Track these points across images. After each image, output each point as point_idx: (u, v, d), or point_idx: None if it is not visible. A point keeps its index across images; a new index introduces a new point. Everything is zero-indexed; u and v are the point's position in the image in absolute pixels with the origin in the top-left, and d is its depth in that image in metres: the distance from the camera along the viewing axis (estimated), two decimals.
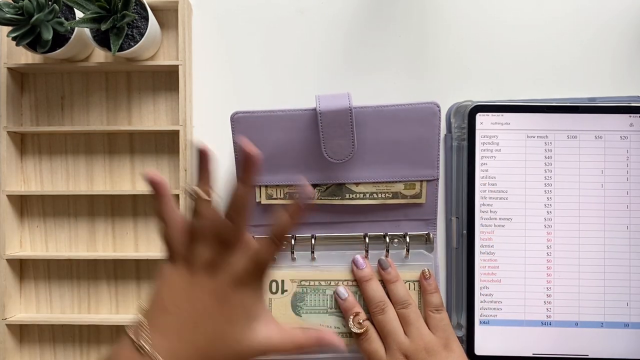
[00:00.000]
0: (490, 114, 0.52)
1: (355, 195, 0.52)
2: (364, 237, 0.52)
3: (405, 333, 0.48)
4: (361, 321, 0.49)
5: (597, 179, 0.52)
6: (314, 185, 0.52)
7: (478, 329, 0.52)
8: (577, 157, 0.52)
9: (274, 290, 0.52)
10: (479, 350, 0.52)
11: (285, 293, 0.52)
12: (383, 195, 0.52)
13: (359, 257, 0.51)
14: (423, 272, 0.51)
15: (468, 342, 0.52)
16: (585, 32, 0.55)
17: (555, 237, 0.52)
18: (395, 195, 0.52)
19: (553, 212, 0.52)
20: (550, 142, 0.52)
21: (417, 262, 0.52)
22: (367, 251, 0.51)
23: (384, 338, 0.48)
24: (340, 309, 0.51)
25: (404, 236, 0.52)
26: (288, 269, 0.52)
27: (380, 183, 0.51)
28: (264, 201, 0.52)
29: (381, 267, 0.51)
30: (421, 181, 0.51)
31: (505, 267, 0.52)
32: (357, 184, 0.52)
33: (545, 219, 0.52)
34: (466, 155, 0.52)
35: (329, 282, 0.52)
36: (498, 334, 0.52)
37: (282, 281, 0.52)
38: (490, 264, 0.52)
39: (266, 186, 0.52)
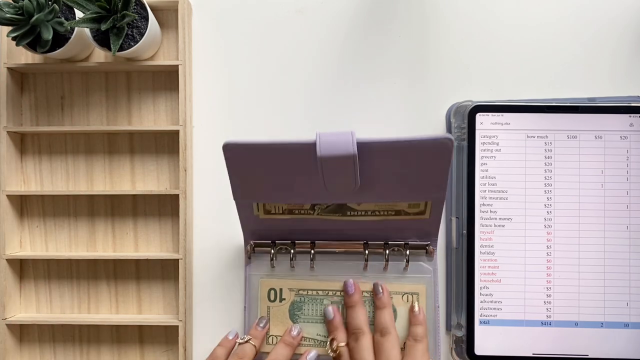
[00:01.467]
0: (490, 114, 0.52)
1: (357, 213, 0.49)
2: (364, 247, 0.51)
3: None
4: (335, 346, 0.49)
5: (597, 179, 0.52)
6: (314, 205, 0.48)
7: (478, 328, 0.52)
8: (577, 157, 0.52)
9: (272, 298, 0.52)
10: (478, 350, 0.52)
11: (283, 301, 0.52)
12: (385, 213, 0.49)
13: (351, 283, 0.51)
14: (412, 307, 0.51)
15: (468, 342, 0.52)
16: (585, 32, 0.55)
17: (555, 237, 0.52)
18: (398, 212, 0.49)
19: (553, 212, 0.52)
20: (550, 142, 0.52)
21: (416, 275, 0.51)
22: (366, 261, 0.51)
23: None
24: None
25: (404, 245, 0.51)
26: (287, 277, 0.52)
27: (384, 203, 0.48)
28: (262, 216, 0.50)
29: (374, 291, 0.51)
30: (427, 201, 0.48)
31: (505, 267, 0.52)
32: (359, 203, 0.48)
33: (545, 219, 0.52)
34: (466, 155, 0.52)
35: (327, 292, 0.51)
36: (498, 334, 0.52)
37: (280, 289, 0.52)
38: (490, 264, 0.52)
39: (264, 203, 0.49)
